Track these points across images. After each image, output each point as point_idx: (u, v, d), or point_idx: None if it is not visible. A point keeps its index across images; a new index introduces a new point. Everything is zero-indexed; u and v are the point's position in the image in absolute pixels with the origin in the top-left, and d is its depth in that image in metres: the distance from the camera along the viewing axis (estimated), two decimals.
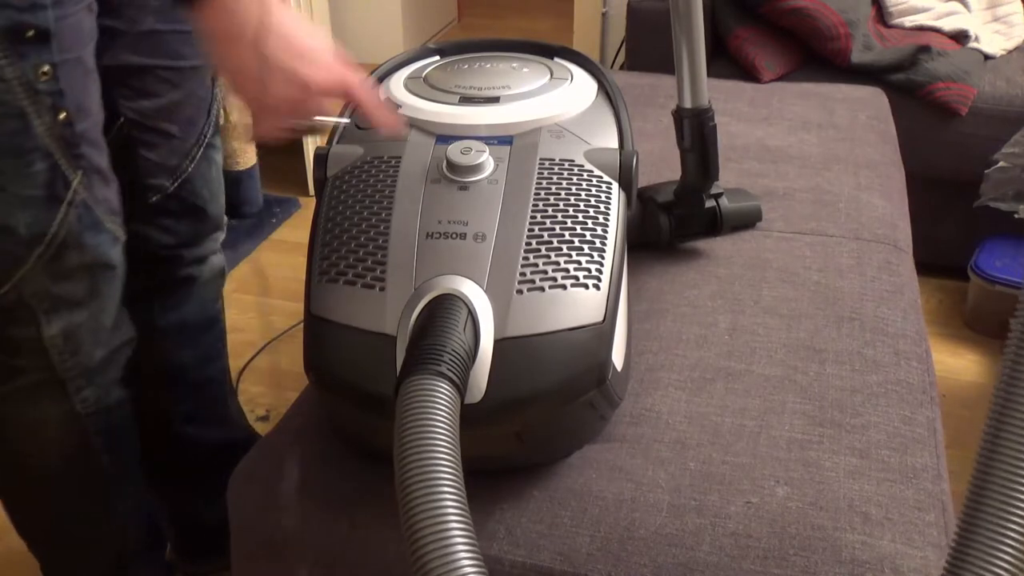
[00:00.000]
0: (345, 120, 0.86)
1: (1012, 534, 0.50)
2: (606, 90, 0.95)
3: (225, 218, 1.30)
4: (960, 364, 1.93)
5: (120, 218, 1.03)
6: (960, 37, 2.14)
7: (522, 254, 0.76)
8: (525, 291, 0.75)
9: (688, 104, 1.10)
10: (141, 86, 1.09)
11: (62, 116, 0.91)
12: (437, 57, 1.01)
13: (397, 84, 0.94)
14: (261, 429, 1.54)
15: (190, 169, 1.18)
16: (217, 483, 0.97)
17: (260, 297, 2.12)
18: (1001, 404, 0.52)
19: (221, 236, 1.31)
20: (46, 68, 0.88)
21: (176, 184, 1.18)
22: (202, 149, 1.19)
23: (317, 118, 0.84)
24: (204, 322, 1.32)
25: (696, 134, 1.11)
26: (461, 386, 0.67)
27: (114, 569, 1.21)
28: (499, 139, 0.85)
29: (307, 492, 0.88)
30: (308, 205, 2.53)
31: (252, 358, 1.92)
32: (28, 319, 0.99)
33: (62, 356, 1.02)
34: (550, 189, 0.81)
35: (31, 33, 0.86)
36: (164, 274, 1.23)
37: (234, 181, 2.35)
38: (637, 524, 0.81)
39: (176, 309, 1.25)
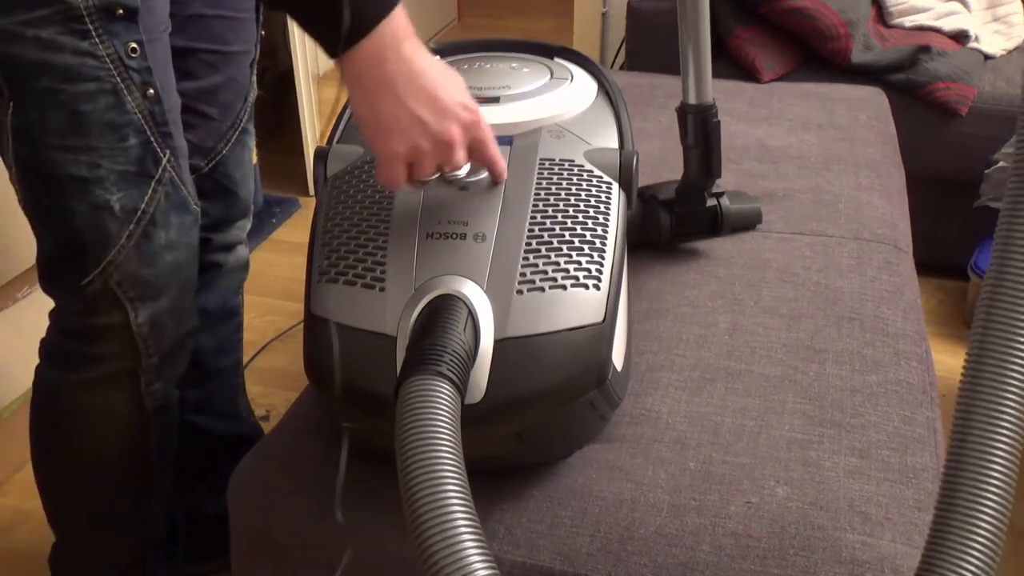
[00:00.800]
0: (466, 169, 0.80)
1: (983, 530, 0.50)
2: (606, 90, 0.95)
3: (252, 206, 1.33)
4: (960, 364, 1.92)
5: (197, 200, 1.06)
6: (960, 37, 2.14)
7: (522, 254, 0.76)
8: (525, 291, 0.75)
9: (692, 100, 1.10)
10: (184, 68, 1.11)
11: (150, 93, 0.94)
12: (437, 57, 1.00)
13: None
14: (261, 429, 1.54)
15: (224, 151, 1.22)
16: (221, 477, 0.97)
17: (260, 297, 2.12)
18: (967, 398, 0.53)
19: (248, 225, 1.33)
20: (134, 45, 0.92)
21: (210, 165, 1.21)
22: (237, 133, 1.23)
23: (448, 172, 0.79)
24: (223, 312, 1.34)
25: (699, 130, 1.11)
26: (461, 386, 0.67)
27: (137, 561, 1.22)
28: (499, 139, 0.84)
29: (307, 492, 0.88)
30: (308, 205, 2.53)
31: (252, 358, 1.92)
32: (113, 307, 1.01)
33: (146, 343, 1.04)
34: (550, 189, 0.81)
35: (120, 11, 0.90)
36: None
37: None
38: (637, 524, 0.81)
39: (198, 294, 1.26)
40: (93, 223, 0.96)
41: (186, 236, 1.03)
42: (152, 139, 0.96)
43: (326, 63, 3.37)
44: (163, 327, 1.05)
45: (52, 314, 1.08)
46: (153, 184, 0.98)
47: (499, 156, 0.80)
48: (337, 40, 0.73)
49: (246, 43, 1.19)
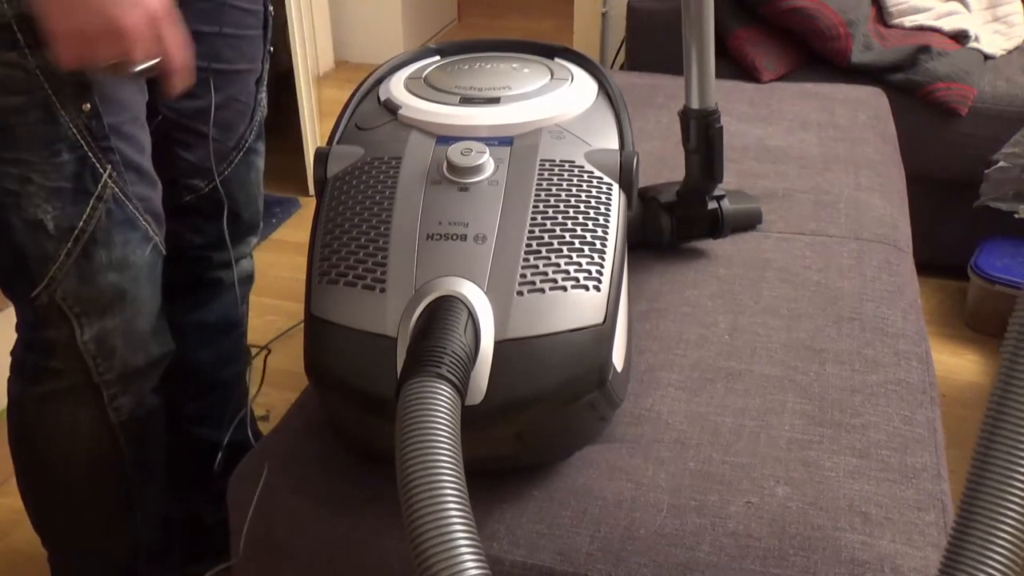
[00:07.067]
0: (153, 62, 0.84)
1: (1005, 534, 0.50)
2: (607, 91, 0.95)
3: (260, 224, 1.29)
4: (960, 364, 1.94)
5: (158, 219, 1.02)
6: (960, 37, 2.14)
7: (522, 255, 0.76)
8: (525, 292, 0.75)
9: (695, 105, 1.10)
10: None
11: (86, 107, 0.91)
12: (437, 57, 1.01)
13: (397, 84, 0.94)
14: (261, 429, 1.54)
15: (227, 173, 1.18)
16: (220, 484, 0.97)
17: (260, 297, 2.12)
18: (997, 403, 0.52)
19: (254, 241, 1.29)
20: None
21: (211, 186, 1.17)
22: (241, 154, 1.19)
23: (126, 65, 0.83)
24: (225, 324, 1.31)
25: (702, 135, 1.11)
26: (462, 388, 0.67)
27: (126, 568, 1.21)
28: (499, 140, 0.85)
29: (307, 492, 0.88)
30: (308, 205, 2.53)
31: (252, 358, 1.92)
32: (61, 322, 0.98)
33: (96, 361, 1.02)
34: (550, 190, 0.81)
35: None
36: (190, 274, 1.22)
37: None
38: (637, 524, 0.81)
39: (198, 310, 1.25)
40: (30, 239, 0.93)
41: (134, 255, 0.99)
42: (90, 155, 0.92)
43: (326, 63, 3.37)
44: (112, 347, 1.01)
45: (16, 326, 1.06)
46: (92, 201, 0.94)
47: (178, 49, 0.82)
48: None
49: (250, 62, 1.15)
